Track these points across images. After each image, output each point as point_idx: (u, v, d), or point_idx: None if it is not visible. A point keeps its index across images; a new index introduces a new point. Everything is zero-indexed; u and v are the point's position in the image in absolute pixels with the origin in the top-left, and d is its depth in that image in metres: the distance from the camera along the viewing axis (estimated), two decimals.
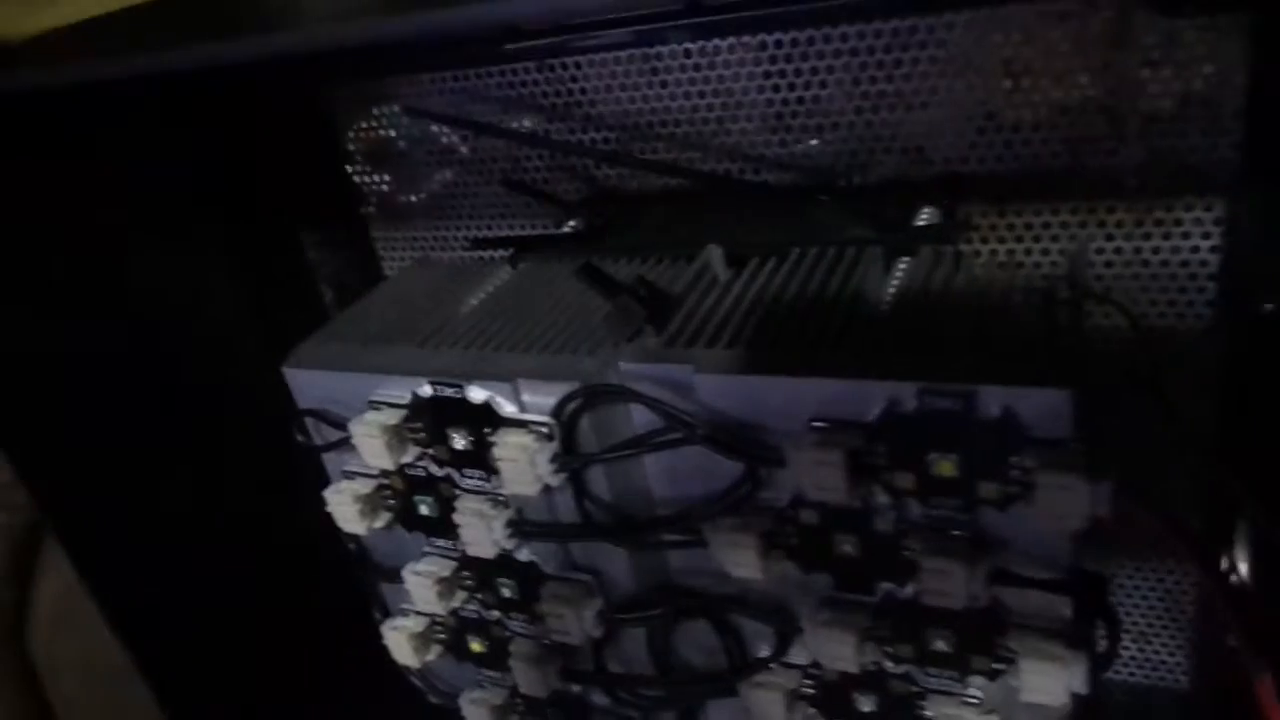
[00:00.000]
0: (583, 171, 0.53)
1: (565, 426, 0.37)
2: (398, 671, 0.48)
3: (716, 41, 0.46)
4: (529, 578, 0.41)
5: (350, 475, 0.42)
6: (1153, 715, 0.54)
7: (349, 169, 0.60)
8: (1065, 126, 0.42)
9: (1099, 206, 0.44)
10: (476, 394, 0.38)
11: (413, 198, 0.59)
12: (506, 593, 0.42)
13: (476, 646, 0.45)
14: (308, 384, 0.42)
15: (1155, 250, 0.44)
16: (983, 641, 0.34)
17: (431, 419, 0.39)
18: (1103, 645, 0.33)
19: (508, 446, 0.36)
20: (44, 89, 0.41)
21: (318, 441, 0.43)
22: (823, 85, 0.45)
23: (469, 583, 0.43)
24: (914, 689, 0.36)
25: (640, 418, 0.36)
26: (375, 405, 0.40)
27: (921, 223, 0.42)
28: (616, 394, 0.36)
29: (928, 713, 0.36)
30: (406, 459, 0.40)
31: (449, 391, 0.38)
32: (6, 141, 0.44)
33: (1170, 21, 0.39)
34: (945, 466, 0.31)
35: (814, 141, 0.47)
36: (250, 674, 0.56)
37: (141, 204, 0.52)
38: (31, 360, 0.47)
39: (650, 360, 0.36)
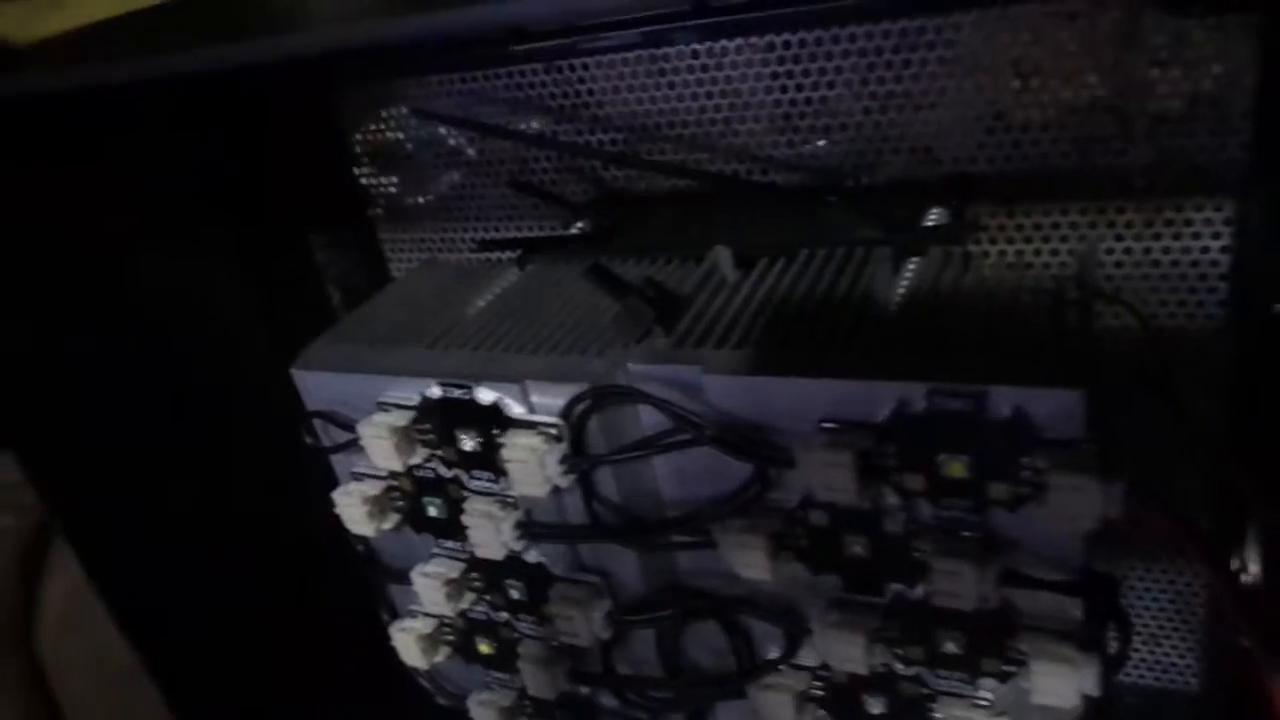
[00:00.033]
0: (590, 173, 0.53)
1: (574, 428, 0.37)
2: (406, 673, 0.48)
3: (724, 42, 0.46)
4: (537, 579, 0.41)
5: (359, 477, 0.42)
6: (1163, 718, 0.53)
7: (357, 171, 0.60)
8: (1074, 126, 0.42)
9: (1108, 207, 0.43)
10: (485, 395, 0.38)
11: (420, 199, 0.59)
12: (515, 594, 0.42)
13: (485, 648, 0.45)
14: (316, 386, 0.42)
15: (1165, 250, 0.43)
16: (993, 643, 0.34)
17: (440, 420, 0.39)
18: (1114, 647, 0.33)
19: (516, 448, 0.36)
20: (53, 93, 0.41)
21: (326, 443, 0.43)
22: (831, 86, 0.45)
23: (477, 584, 0.43)
24: (924, 691, 0.36)
25: (649, 419, 0.36)
26: (384, 407, 0.40)
27: (930, 223, 0.42)
28: (625, 395, 0.36)
29: (938, 715, 0.36)
30: (415, 460, 0.40)
31: (457, 393, 0.38)
32: (17, 145, 0.44)
33: (1179, 21, 0.39)
34: (955, 467, 0.31)
35: (822, 142, 0.47)
36: (258, 675, 0.57)
37: (150, 206, 0.52)
38: (40, 362, 0.47)
39: (659, 361, 0.36)
